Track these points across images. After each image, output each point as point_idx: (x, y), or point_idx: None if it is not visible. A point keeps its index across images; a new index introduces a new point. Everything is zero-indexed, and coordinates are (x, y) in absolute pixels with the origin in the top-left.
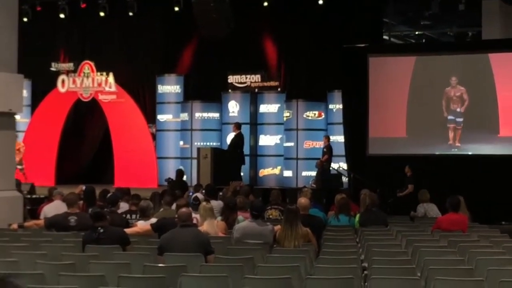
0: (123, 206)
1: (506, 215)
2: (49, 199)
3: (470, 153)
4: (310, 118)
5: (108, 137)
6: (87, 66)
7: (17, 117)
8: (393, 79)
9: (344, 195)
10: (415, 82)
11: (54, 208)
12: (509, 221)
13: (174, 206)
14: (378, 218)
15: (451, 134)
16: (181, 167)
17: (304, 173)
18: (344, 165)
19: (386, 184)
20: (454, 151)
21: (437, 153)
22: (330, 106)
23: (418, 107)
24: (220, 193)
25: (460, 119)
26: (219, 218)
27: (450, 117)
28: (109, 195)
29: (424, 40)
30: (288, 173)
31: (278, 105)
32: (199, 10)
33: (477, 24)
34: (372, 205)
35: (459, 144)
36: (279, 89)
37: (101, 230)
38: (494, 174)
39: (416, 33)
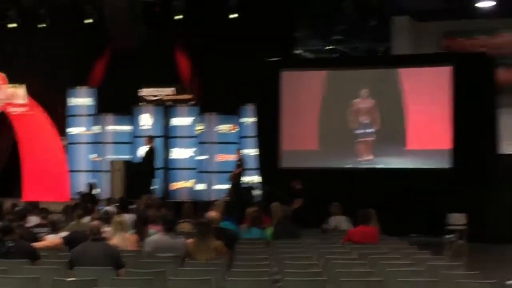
0: (33, 220)
1: (415, 227)
2: None
3: (380, 166)
4: (223, 131)
5: (18, 150)
6: None
7: None
8: (305, 93)
9: (257, 208)
10: (326, 96)
11: None
12: (418, 233)
13: (85, 219)
14: (290, 230)
15: (361, 147)
16: (93, 180)
17: (217, 186)
18: (257, 178)
19: (298, 196)
20: (365, 164)
21: (348, 166)
22: (243, 120)
23: (329, 120)
24: (132, 206)
25: (370, 130)
26: (131, 231)
27: (359, 129)
28: (17, 208)
29: (335, 55)
30: (201, 186)
31: (191, 118)
32: (112, 22)
33: (388, 39)
34: (284, 218)
35: (370, 157)
36: (192, 102)
37: (10, 244)
38: (403, 187)
39: (328, 47)
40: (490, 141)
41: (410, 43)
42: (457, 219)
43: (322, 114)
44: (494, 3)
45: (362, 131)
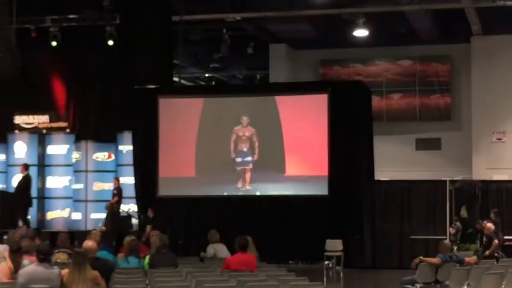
0: None
1: (294, 254)
2: None
3: (258, 193)
4: (99, 159)
5: None
6: None
7: None
8: (182, 120)
9: (134, 237)
10: (204, 123)
11: None
12: (296, 260)
13: None
14: (168, 259)
15: (240, 174)
16: None
17: (93, 216)
18: (134, 207)
19: (176, 225)
20: (243, 191)
21: (226, 193)
22: (120, 147)
23: (207, 147)
24: (5, 237)
25: (249, 159)
26: (4, 262)
27: (238, 156)
28: None
29: (213, 82)
30: (77, 216)
31: (67, 146)
32: None
33: (265, 67)
34: (162, 247)
35: (249, 185)
36: (68, 130)
37: None
38: (281, 214)
39: (206, 75)
40: (365, 167)
41: (288, 71)
42: (334, 246)
43: (200, 141)
44: (368, 33)
45: (240, 159)
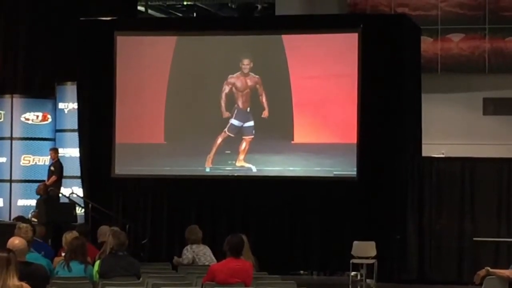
0: None
1: (305, 261)
2: None
3: (254, 169)
4: (30, 122)
5: None
6: None
7: None
8: (149, 66)
9: (78, 233)
10: (178, 70)
11: None
12: (309, 269)
13: None
14: (126, 266)
15: (232, 143)
16: None
17: (21, 202)
18: (79, 191)
19: (139, 217)
20: (234, 168)
21: (208, 170)
22: (61, 106)
23: (183, 105)
24: None
25: (250, 124)
26: None
27: (234, 120)
28: None
29: (194, 14)
30: None
31: None
32: None
33: None
34: (118, 248)
35: (244, 160)
36: None
37: None
38: (288, 202)
39: (184, 2)
40: (410, 138)
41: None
42: (364, 250)
43: (171, 95)
44: None
45: (237, 122)
